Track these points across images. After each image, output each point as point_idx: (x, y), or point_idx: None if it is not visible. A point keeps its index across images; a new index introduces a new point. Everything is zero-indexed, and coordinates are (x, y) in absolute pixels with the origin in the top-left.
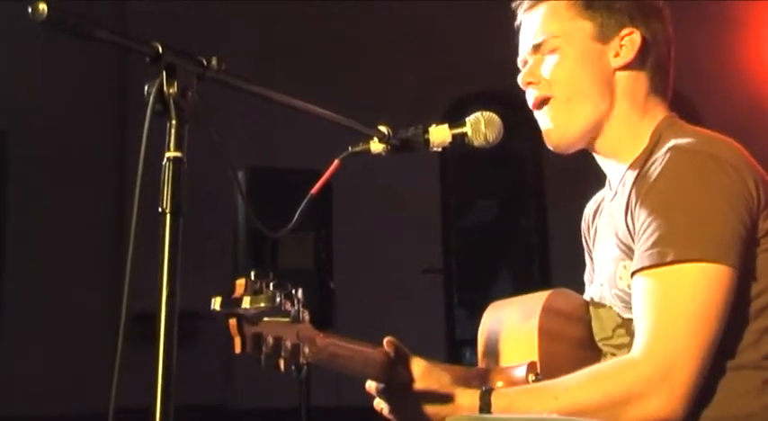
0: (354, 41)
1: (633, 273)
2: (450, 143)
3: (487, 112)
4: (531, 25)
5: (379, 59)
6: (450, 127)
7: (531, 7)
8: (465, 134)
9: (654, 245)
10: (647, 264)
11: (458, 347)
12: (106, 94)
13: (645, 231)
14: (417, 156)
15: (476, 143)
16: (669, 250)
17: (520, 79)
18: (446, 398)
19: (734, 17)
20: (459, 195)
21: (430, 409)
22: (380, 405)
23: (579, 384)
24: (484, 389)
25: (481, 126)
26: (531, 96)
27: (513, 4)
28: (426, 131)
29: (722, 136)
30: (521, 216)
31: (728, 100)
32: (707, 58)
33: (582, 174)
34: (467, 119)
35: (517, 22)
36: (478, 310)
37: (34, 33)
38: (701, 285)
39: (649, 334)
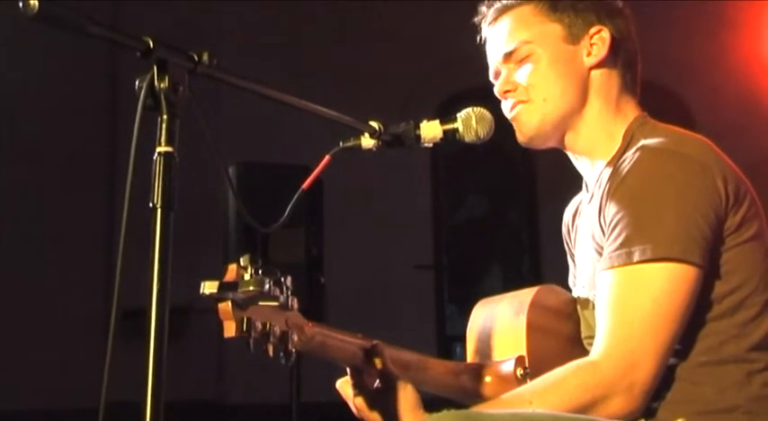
0: (346, 37)
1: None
2: (442, 139)
3: (479, 108)
4: (498, 36)
5: (371, 55)
6: (442, 122)
7: (495, 19)
8: (456, 130)
9: (621, 245)
10: (615, 264)
11: (448, 343)
12: (96, 89)
13: (612, 231)
14: (408, 152)
15: (467, 139)
16: (635, 250)
17: (496, 90)
18: (402, 415)
19: (729, 17)
20: (450, 191)
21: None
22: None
23: (542, 394)
24: (449, 410)
25: (472, 122)
26: (507, 106)
27: (476, 19)
28: (417, 127)
29: (693, 134)
30: (512, 212)
31: (723, 100)
32: (702, 59)
33: (573, 170)
34: (458, 114)
35: (482, 36)
36: (469, 306)
37: (23, 27)
38: (662, 285)
39: (609, 334)
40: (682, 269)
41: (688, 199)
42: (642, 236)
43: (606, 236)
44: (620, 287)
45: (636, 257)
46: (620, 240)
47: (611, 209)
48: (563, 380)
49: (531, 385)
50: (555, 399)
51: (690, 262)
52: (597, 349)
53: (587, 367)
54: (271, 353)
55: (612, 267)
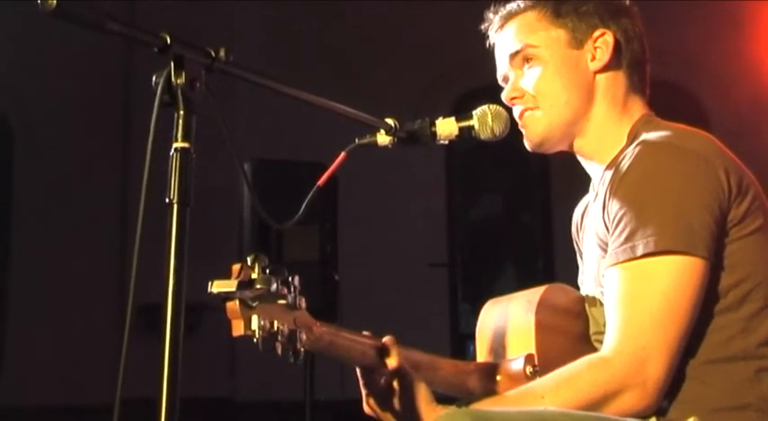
0: (362, 35)
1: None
2: (457, 136)
3: (494, 106)
4: (505, 41)
5: (387, 52)
6: (457, 120)
7: (501, 26)
8: (472, 127)
9: (625, 240)
10: (620, 259)
11: (462, 341)
12: (110, 85)
13: (616, 227)
14: (423, 150)
15: (482, 136)
16: (638, 244)
17: (504, 96)
18: (426, 413)
19: (740, 16)
20: (464, 190)
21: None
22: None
23: (555, 390)
24: (460, 404)
25: (488, 119)
26: (516, 112)
27: (483, 26)
28: (433, 124)
29: (695, 129)
30: (525, 211)
31: (734, 98)
32: (713, 57)
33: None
34: (474, 112)
35: (490, 43)
36: (483, 305)
37: (37, 24)
38: (670, 278)
39: (620, 330)
40: (687, 261)
41: (690, 192)
42: (645, 229)
43: (610, 232)
44: (627, 282)
45: (639, 251)
46: (624, 235)
47: (614, 205)
48: (575, 375)
49: (544, 380)
50: (568, 395)
51: (694, 254)
52: (608, 345)
53: (599, 363)
54: (279, 351)
55: (618, 263)
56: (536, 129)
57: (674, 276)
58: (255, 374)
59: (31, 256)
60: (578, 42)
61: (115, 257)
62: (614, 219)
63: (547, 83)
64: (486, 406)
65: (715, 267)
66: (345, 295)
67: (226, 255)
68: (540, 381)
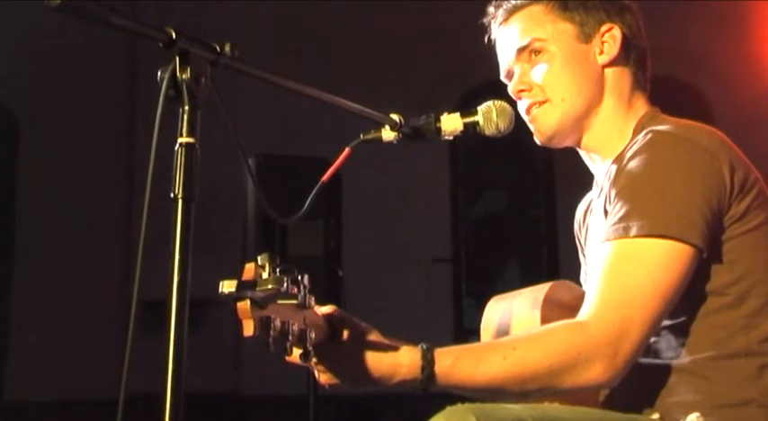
0: (367, 30)
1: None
2: (462, 132)
3: (499, 101)
4: (510, 35)
5: (392, 48)
6: (462, 115)
7: (506, 19)
8: (476, 123)
9: (620, 220)
10: (612, 237)
11: (466, 337)
12: (116, 81)
13: (614, 207)
14: (427, 146)
15: (487, 132)
16: (633, 225)
17: (511, 89)
18: (386, 355)
19: (745, 13)
20: (468, 185)
21: (368, 365)
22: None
23: (528, 344)
24: (425, 346)
25: (493, 115)
26: (524, 105)
27: (486, 19)
28: (438, 120)
29: (703, 125)
30: (530, 206)
31: (739, 95)
32: (717, 54)
33: None
34: (478, 107)
35: (492, 37)
36: (487, 300)
37: (45, 16)
38: (658, 260)
39: (602, 301)
40: (679, 247)
41: (691, 182)
42: (641, 212)
43: (609, 213)
44: (615, 258)
45: (633, 232)
46: (619, 215)
47: (617, 188)
48: (550, 334)
49: (514, 338)
50: (539, 351)
51: (687, 242)
52: (587, 311)
53: (576, 326)
54: (290, 351)
55: (609, 240)
56: (548, 122)
57: (664, 259)
58: (259, 369)
59: (35, 251)
60: (586, 36)
61: (120, 252)
62: (614, 200)
63: (556, 75)
64: (457, 352)
65: (715, 263)
66: (349, 291)
67: (230, 250)
68: (514, 336)
